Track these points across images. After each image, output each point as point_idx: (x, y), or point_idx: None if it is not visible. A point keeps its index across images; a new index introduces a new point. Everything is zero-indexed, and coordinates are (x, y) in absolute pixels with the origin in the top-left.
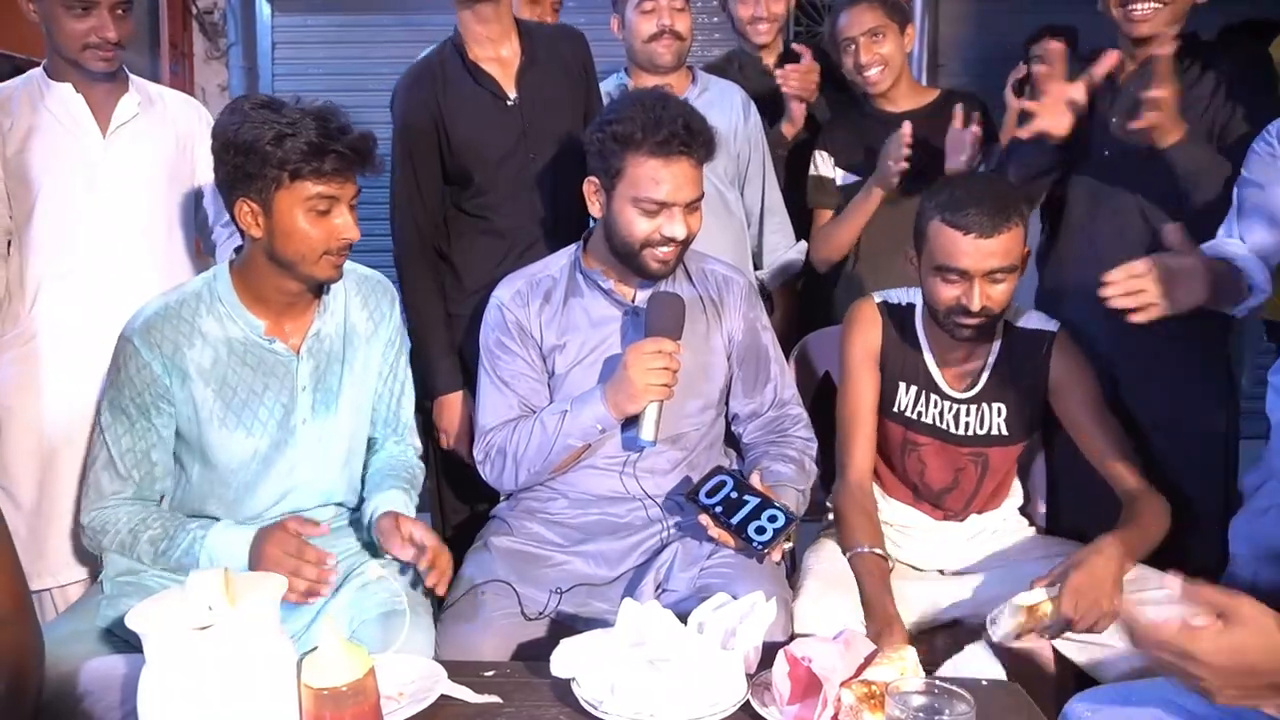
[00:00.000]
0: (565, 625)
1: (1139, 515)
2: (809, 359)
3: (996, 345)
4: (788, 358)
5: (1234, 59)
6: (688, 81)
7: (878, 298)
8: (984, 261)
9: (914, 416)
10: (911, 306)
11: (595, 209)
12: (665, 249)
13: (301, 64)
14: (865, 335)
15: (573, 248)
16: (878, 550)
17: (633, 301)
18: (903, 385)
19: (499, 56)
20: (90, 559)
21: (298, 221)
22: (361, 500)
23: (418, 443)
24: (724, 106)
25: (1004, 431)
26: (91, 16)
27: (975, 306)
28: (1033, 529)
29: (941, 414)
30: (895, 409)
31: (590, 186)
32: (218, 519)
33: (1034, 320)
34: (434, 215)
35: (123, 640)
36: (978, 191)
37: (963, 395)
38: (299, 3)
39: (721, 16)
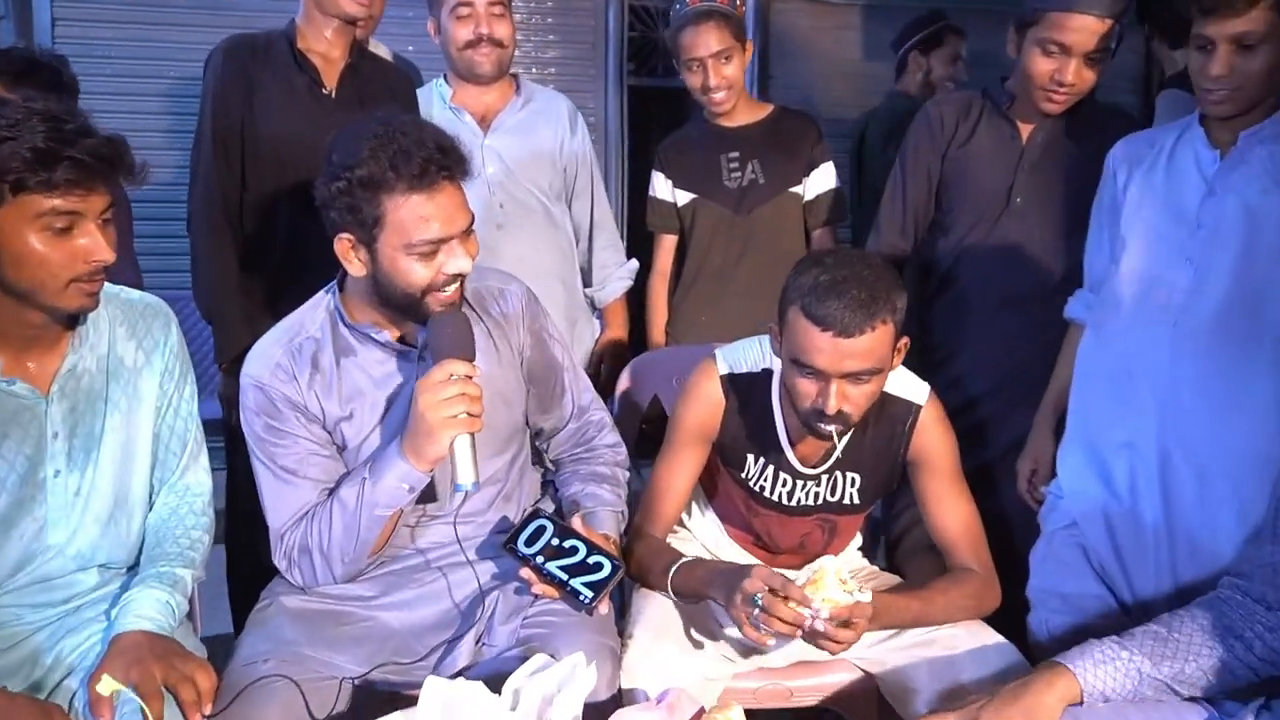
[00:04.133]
0: (374, 691)
1: (957, 584)
2: (637, 384)
3: None
4: (613, 384)
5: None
6: (511, 92)
7: (724, 366)
8: (841, 363)
9: (757, 489)
10: (768, 374)
11: (357, 268)
12: (450, 289)
13: (86, 44)
14: (700, 412)
15: (326, 299)
16: (689, 558)
17: (416, 345)
18: (750, 457)
19: (327, 53)
20: None
21: (30, 243)
22: (137, 562)
23: (203, 482)
24: (550, 118)
25: (855, 501)
26: None
27: (830, 409)
28: (869, 566)
29: (791, 492)
30: (743, 474)
31: (344, 245)
32: None
33: (902, 383)
34: (235, 181)
35: None
36: (843, 280)
37: (815, 470)
38: None
39: (555, 18)
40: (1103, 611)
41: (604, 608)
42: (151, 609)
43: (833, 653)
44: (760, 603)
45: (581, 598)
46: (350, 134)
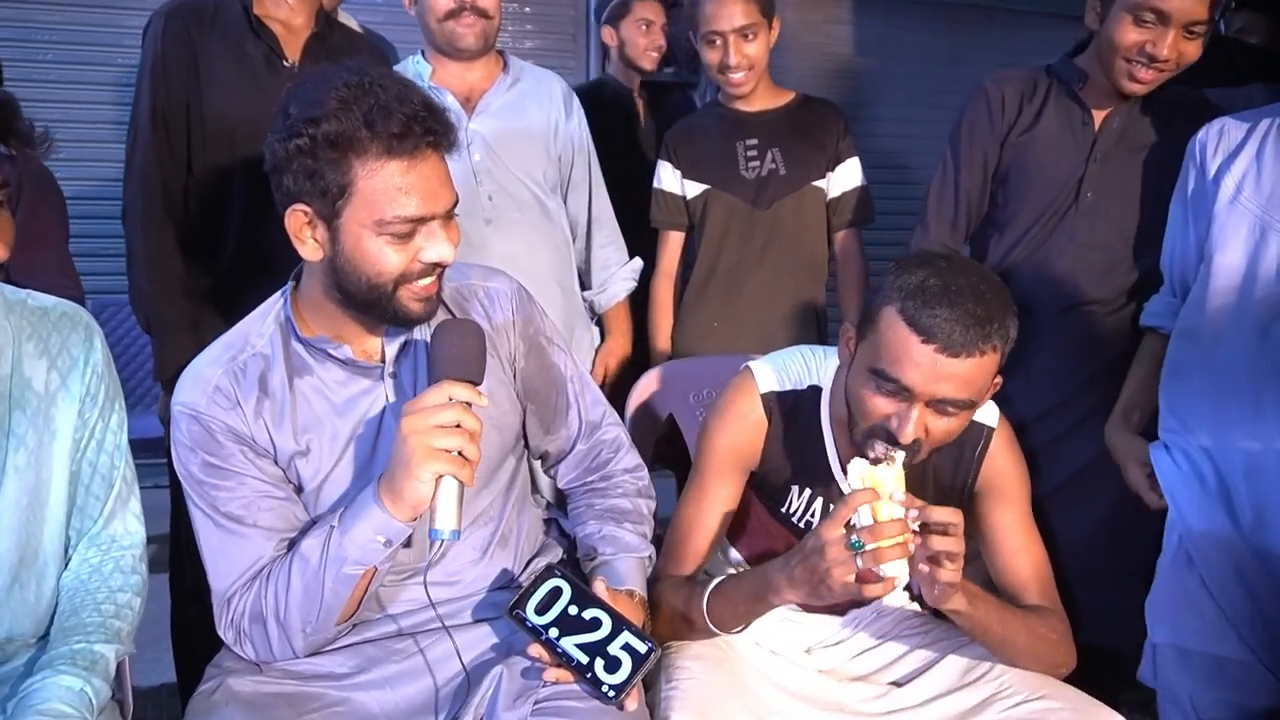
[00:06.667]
0: None
1: (1039, 616)
2: (649, 401)
3: None
4: (624, 400)
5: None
6: (498, 69)
7: (764, 381)
8: (936, 384)
9: (803, 526)
10: (816, 391)
11: (311, 250)
12: (426, 280)
13: (25, 29)
14: (737, 436)
15: (276, 307)
16: (717, 580)
17: (384, 361)
18: (795, 488)
19: (289, 21)
20: None
21: None
22: (48, 632)
23: (135, 532)
24: (542, 99)
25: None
26: None
27: (906, 436)
28: (914, 604)
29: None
30: (784, 509)
31: (298, 219)
32: None
33: None
34: (178, 167)
35: None
36: (958, 289)
37: None
38: None
39: (534, 6)
40: (1247, 678)
41: (632, 703)
42: (60, 702)
43: (949, 581)
44: (860, 543)
45: (605, 689)
46: (314, 83)
